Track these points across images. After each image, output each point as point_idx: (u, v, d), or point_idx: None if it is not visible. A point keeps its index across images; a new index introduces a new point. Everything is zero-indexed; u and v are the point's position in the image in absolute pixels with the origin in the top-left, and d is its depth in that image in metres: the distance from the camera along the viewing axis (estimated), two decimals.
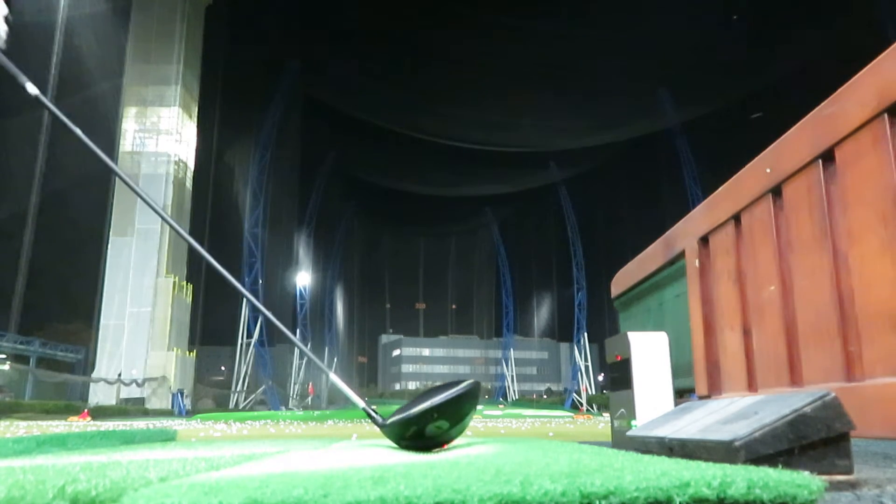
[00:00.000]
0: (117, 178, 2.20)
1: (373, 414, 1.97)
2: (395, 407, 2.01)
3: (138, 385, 26.27)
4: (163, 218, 2.08)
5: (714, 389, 2.06)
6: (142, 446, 2.52)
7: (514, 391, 54.48)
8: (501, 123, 40.13)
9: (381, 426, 1.92)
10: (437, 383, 2.15)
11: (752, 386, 1.79)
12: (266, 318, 2.12)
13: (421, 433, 1.80)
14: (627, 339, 2.10)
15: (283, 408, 32.88)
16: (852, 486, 1.04)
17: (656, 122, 38.77)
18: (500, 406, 34.83)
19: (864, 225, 1.31)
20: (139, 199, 2.28)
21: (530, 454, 1.40)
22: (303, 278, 43.23)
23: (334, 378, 2.12)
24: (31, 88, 1.95)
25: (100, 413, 19.11)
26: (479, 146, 41.85)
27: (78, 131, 2.00)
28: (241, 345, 34.84)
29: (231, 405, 33.32)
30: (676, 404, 2.01)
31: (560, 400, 47.21)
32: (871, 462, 1.57)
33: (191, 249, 2.37)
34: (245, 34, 35.42)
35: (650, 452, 1.50)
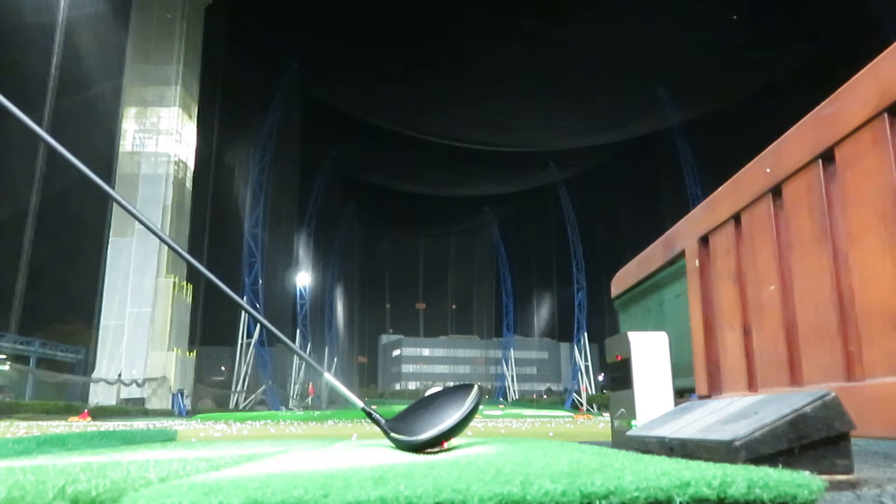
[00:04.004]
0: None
1: (373, 413, 1.97)
2: (396, 408, 2.00)
3: (138, 385, 26.27)
4: (163, 240, 2.08)
5: (714, 389, 2.06)
6: (142, 446, 2.52)
7: (514, 391, 54.48)
8: (501, 123, 40.12)
9: (383, 428, 1.91)
10: (437, 384, 2.14)
11: (752, 386, 1.79)
12: (263, 323, 2.12)
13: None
14: (627, 339, 2.09)
15: (284, 408, 32.88)
16: (852, 485, 1.04)
17: (656, 122, 38.77)
18: (500, 406, 34.79)
19: (864, 225, 1.31)
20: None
21: (530, 454, 1.40)
22: (303, 278, 43.24)
23: (329, 378, 2.11)
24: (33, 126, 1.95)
25: (100, 413, 19.11)
26: (479, 146, 41.84)
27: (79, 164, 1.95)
28: (241, 345, 34.85)
29: (231, 405, 33.31)
30: (676, 404, 2.01)
31: (560, 400, 47.20)
32: (871, 462, 1.57)
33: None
34: (245, 34, 35.41)
35: (650, 452, 1.50)
